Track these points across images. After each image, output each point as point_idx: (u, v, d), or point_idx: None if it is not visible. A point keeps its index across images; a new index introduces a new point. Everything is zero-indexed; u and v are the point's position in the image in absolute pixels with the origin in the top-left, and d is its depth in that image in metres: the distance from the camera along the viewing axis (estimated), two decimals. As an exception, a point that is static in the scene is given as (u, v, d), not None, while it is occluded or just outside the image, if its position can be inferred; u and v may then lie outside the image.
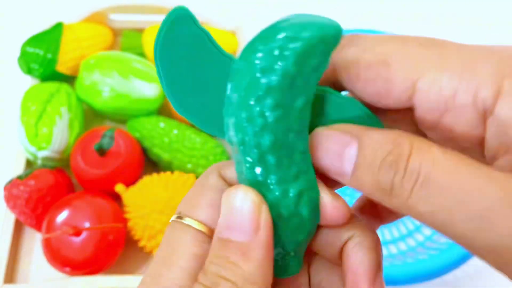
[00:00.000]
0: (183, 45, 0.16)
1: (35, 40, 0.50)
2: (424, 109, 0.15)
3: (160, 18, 0.56)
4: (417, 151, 0.14)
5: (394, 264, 0.42)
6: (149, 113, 0.50)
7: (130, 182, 0.46)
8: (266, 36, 0.15)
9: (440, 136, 0.16)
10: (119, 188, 0.44)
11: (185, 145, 0.47)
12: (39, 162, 0.46)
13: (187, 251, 0.16)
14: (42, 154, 0.45)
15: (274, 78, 0.15)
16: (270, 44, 0.15)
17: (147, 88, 0.49)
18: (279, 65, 0.15)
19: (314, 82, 0.16)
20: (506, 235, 0.13)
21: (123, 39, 0.55)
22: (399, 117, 0.18)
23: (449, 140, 0.16)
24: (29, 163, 0.48)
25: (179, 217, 0.17)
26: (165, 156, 0.47)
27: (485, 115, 0.14)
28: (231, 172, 0.18)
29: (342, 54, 0.16)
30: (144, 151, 0.49)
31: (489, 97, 0.14)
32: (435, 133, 0.16)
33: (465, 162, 0.14)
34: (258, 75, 0.15)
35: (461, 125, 0.15)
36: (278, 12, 0.68)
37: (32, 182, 0.43)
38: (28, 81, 0.52)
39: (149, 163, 0.49)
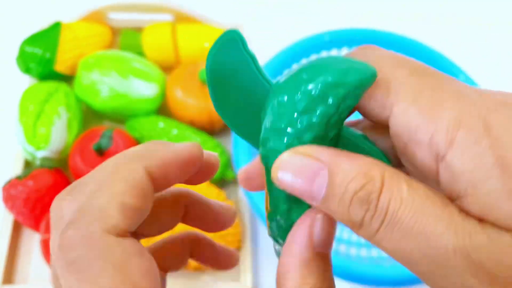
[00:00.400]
0: (230, 66, 0.17)
1: (33, 40, 0.50)
2: (395, 132, 0.16)
3: (159, 17, 0.56)
4: (387, 187, 0.14)
5: (395, 265, 0.42)
6: (148, 113, 0.50)
7: (129, 182, 0.45)
8: (308, 78, 0.16)
9: (407, 162, 0.16)
10: (118, 188, 0.44)
11: (185, 145, 0.47)
12: (38, 162, 0.46)
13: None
14: (40, 154, 0.45)
15: (314, 119, 0.16)
16: (313, 86, 0.16)
17: (146, 87, 0.49)
18: (320, 108, 0.16)
19: (346, 116, 0.17)
20: (458, 285, 0.14)
21: (122, 38, 0.55)
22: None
23: (414, 168, 0.16)
24: (27, 163, 0.47)
25: None
26: (164, 156, 0.47)
27: (438, 158, 0.15)
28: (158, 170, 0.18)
29: None
30: (143, 151, 0.48)
31: (442, 144, 0.14)
32: (404, 157, 0.16)
33: (431, 202, 0.14)
34: (298, 115, 0.16)
35: (419, 159, 0.15)
36: (278, 12, 0.68)
37: (30, 182, 0.43)
38: (26, 81, 0.52)
39: (148, 163, 0.49)
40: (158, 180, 0.18)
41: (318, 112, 0.16)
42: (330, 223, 0.17)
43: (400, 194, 0.14)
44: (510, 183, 0.13)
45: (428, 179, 0.16)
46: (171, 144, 0.19)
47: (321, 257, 0.17)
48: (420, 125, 0.15)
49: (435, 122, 0.14)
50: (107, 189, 0.16)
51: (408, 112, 0.15)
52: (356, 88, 0.16)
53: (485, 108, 0.14)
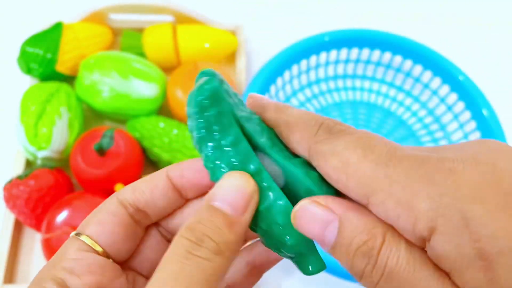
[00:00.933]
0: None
1: (34, 40, 0.50)
2: (376, 214, 0.17)
3: (159, 18, 0.56)
4: (386, 245, 0.16)
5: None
6: (148, 113, 0.50)
7: (130, 182, 0.45)
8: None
9: None
10: (119, 188, 0.44)
11: (185, 145, 0.47)
12: (39, 162, 0.46)
13: (70, 256, 0.19)
14: (41, 154, 0.45)
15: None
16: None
17: (147, 88, 0.49)
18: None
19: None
20: None
21: (123, 39, 0.55)
22: None
23: None
24: (28, 163, 0.48)
25: (78, 234, 0.20)
26: (165, 156, 0.47)
27: (424, 241, 0.16)
28: (130, 196, 0.21)
29: (317, 146, 0.18)
30: (144, 151, 0.48)
31: (425, 231, 0.15)
32: None
33: (424, 266, 0.16)
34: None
35: (406, 236, 0.16)
36: (278, 12, 0.69)
37: (31, 182, 0.43)
38: (28, 81, 0.52)
39: (149, 163, 0.49)
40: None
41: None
42: None
43: (398, 253, 0.16)
44: (490, 274, 0.14)
45: None
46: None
47: None
48: (400, 215, 0.16)
49: (414, 213, 0.15)
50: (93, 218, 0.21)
51: (387, 204, 0.16)
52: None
53: (460, 198, 0.15)
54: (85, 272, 0.19)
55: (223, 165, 0.19)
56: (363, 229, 0.16)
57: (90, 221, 0.20)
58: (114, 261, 0.21)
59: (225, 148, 0.19)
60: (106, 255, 0.20)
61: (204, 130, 0.19)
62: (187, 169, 0.21)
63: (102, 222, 0.20)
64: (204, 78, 0.20)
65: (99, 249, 0.20)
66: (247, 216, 0.18)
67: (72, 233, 0.20)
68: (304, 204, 0.18)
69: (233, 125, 0.19)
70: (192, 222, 0.18)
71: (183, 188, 0.21)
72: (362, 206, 0.17)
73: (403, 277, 0.16)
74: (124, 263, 0.22)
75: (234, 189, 0.18)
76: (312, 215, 0.18)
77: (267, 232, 0.19)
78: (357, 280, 0.17)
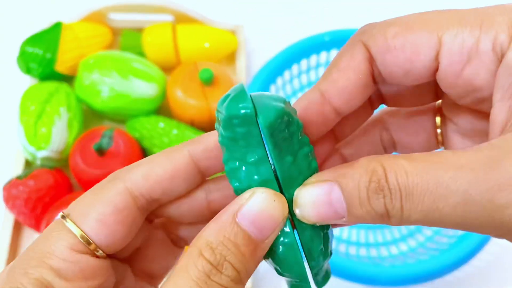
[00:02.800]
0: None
1: (34, 40, 0.50)
2: (449, 63, 0.17)
3: (159, 18, 0.56)
4: (389, 170, 0.15)
5: (395, 264, 0.42)
6: (148, 113, 0.50)
7: (129, 182, 0.45)
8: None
9: (460, 91, 0.17)
10: (119, 188, 0.44)
11: (185, 145, 0.47)
12: (38, 162, 0.46)
13: (60, 255, 0.17)
14: (41, 154, 0.45)
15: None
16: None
17: (147, 88, 0.49)
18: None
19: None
20: (494, 208, 0.14)
21: (122, 38, 0.55)
22: (422, 91, 0.20)
23: (468, 93, 0.17)
24: (28, 163, 0.48)
25: (64, 217, 0.18)
26: (164, 156, 0.47)
27: (500, 60, 0.16)
28: (143, 185, 0.18)
29: (368, 35, 0.18)
30: (144, 151, 0.48)
31: (506, 42, 0.16)
32: (455, 90, 0.17)
33: (433, 161, 0.15)
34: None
35: (481, 73, 0.16)
36: (278, 12, 0.68)
37: (31, 182, 0.43)
38: (27, 81, 0.52)
39: (148, 163, 0.49)
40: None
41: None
42: None
43: (403, 169, 0.15)
44: None
45: (480, 102, 0.17)
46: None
47: None
48: (480, 36, 0.16)
49: (493, 29, 0.16)
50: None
51: (463, 32, 0.16)
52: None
53: None
54: (76, 277, 0.17)
55: (254, 177, 0.18)
56: (361, 173, 0.16)
57: (88, 214, 0.17)
58: (109, 257, 0.18)
59: (248, 162, 0.18)
60: (96, 250, 0.18)
61: (229, 141, 0.18)
62: (214, 148, 0.19)
63: (103, 220, 0.17)
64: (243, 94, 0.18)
65: (93, 247, 0.17)
66: (270, 241, 0.17)
67: (59, 215, 0.18)
68: (297, 193, 0.17)
69: (260, 146, 0.18)
70: (213, 238, 0.16)
71: (208, 169, 0.19)
72: (346, 163, 0.17)
73: (421, 184, 0.15)
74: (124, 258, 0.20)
75: (265, 211, 0.17)
76: (312, 198, 0.17)
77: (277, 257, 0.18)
78: (388, 223, 0.16)
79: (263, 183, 0.18)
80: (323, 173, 0.17)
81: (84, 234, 0.17)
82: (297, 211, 0.17)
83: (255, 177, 0.18)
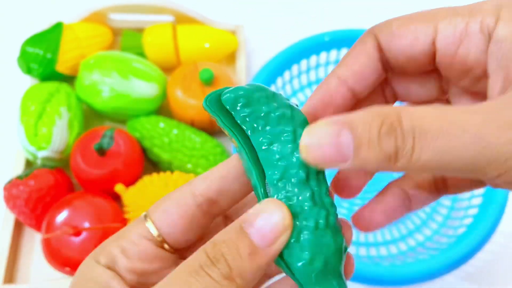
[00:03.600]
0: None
1: (34, 40, 0.50)
2: (444, 45, 0.19)
3: (159, 18, 0.56)
4: (404, 113, 0.16)
5: (394, 264, 0.42)
6: (149, 113, 0.50)
7: (130, 182, 0.45)
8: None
9: (457, 73, 0.20)
10: (119, 188, 0.44)
11: (185, 145, 0.47)
12: (39, 162, 0.46)
13: (130, 238, 0.20)
14: (41, 154, 0.45)
15: None
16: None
17: (147, 88, 0.49)
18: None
19: None
20: (501, 143, 0.15)
21: (123, 38, 0.55)
22: (428, 84, 0.22)
23: (464, 73, 0.20)
24: (28, 163, 0.48)
25: (146, 216, 0.21)
26: (165, 156, 0.47)
27: (489, 39, 0.18)
28: (201, 185, 0.21)
29: (378, 28, 0.21)
30: (144, 151, 0.48)
31: (491, 23, 0.18)
32: (453, 72, 0.20)
33: (448, 108, 0.16)
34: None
35: (472, 51, 0.19)
36: (278, 12, 0.68)
37: (31, 182, 0.43)
38: (28, 81, 0.52)
39: (149, 163, 0.49)
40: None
41: None
42: None
43: (419, 113, 0.16)
44: None
45: (477, 80, 0.20)
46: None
47: None
48: (469, 20, 0.19)
49: (481, 13, 0.18)
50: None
51: (455, 20, 0.19)
52: None
53: None
54: (135, 258, 0.20)
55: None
56: (374, 116, 0.16)
57: (158, 206, 0.21)
58: (172, 248, 0.21)
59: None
60: (163, 243, 0.21)
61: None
62: None
63: (166, 211, 0.20)
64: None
65: (158, 237, 0.20)
66: (274, 249, 0.18)
67: (143, 213, 0.21)
68: (305, 137, 0.17)
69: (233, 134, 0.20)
70: (219, 237, 0.18)
71: None
72: (357, 110, 0.17)
73: (435, 125, 0.15)
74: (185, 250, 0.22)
75: (269, 219, 0.18)
76: (319, 140, 0.17)
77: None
78: (391, 168, 0.16)
79: (247, 172, 0.19)
80: (332, 117, 0.17)
81: (152, 223, 0.20)
82: (301, 150, 0.17)
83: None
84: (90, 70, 0.48)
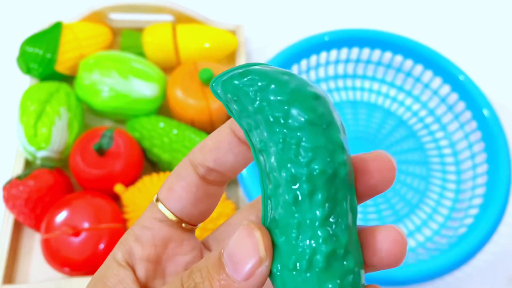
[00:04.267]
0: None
1: (34, 40, 0.50)
2: None
3: (159, 18, 0.56)
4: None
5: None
6: (148, 113, 0.50)
7: (129, 182, 0.45)
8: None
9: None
10: (119, 188, 0.44)
11: (185, 145, 0.47)
12: (38, 162, 0.46)
13: (143, 223, 0.20)
14: (41, 154, 0.45)
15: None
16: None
17: (147, 88, 0.49)
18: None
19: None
20: None
21: (122, 38, 0.55)
22: None
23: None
24: (28, 163, 0.48)
25: (157, 200, 0.21)
26: (165, 156, 0.47)
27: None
28: (198, 156, 0.20)
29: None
30: (144, 151, 0.48)
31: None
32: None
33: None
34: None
35: None
36: (278, 12, 0.68)
37: (31, 182, 0.43)
38: (27, 81, 0.52)
39: (148, 163, 0.49)
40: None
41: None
42: None
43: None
44: None
45: None
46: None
47: None
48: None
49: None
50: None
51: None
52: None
53: None
54: (149, 244, 0.20)
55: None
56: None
57: (164, 186, 0.20)
58: (189, 224, 0.20)
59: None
60: (179, 221, 0.20)
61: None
62: None
63: (170, 187, 0.20)
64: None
65: (171, 216, 0.20)
66: (252, 283, 0.16)
67: (155, 196, 0.21)
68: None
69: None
70: (198, 264, 0.17)
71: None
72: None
73: None
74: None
75: (240, 246, 0.16)
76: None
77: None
78: None
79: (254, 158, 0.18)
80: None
81: (162, 203, 0.20)
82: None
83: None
84: (90, 70, 0.48)
